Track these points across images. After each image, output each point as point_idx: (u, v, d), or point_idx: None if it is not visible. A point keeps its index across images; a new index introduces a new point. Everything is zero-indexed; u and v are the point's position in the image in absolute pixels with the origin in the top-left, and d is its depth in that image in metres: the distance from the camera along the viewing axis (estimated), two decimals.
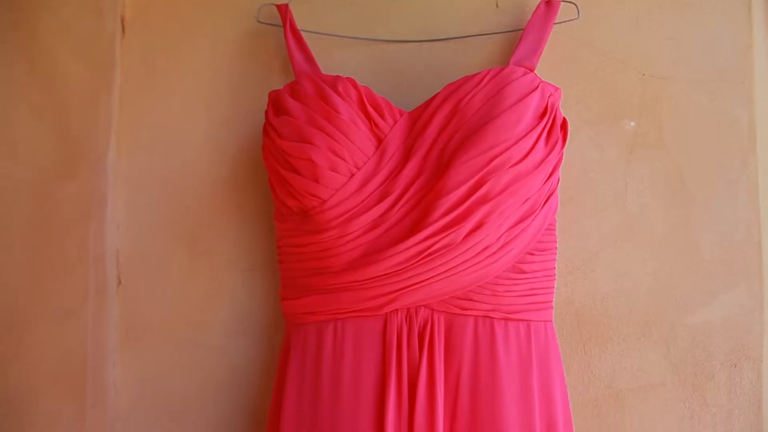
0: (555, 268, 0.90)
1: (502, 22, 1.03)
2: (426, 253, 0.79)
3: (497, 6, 1.05)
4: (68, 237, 1.00)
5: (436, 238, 0.78)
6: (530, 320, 0.84)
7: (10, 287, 0.89)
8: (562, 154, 0.87)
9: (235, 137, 1.04)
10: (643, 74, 1.03)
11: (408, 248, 0.79)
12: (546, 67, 1.02)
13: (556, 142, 0.83)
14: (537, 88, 0.81)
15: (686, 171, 1.02)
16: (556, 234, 0.91)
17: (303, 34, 1.02)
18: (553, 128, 0.83)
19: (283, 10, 1.00)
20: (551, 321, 0.88)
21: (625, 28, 1.04)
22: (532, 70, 0.86)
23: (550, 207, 0.86)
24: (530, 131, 0.79)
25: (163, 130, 1.06)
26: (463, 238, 0.79)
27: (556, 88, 0.85)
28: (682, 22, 1.04)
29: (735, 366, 1.00)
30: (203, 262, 1.05)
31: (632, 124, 1.03)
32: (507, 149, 0.77)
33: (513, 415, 0.80)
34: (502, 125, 0.78)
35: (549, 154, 0.81)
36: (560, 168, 0.89)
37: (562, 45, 1.03)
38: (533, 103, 0.80)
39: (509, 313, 0.83)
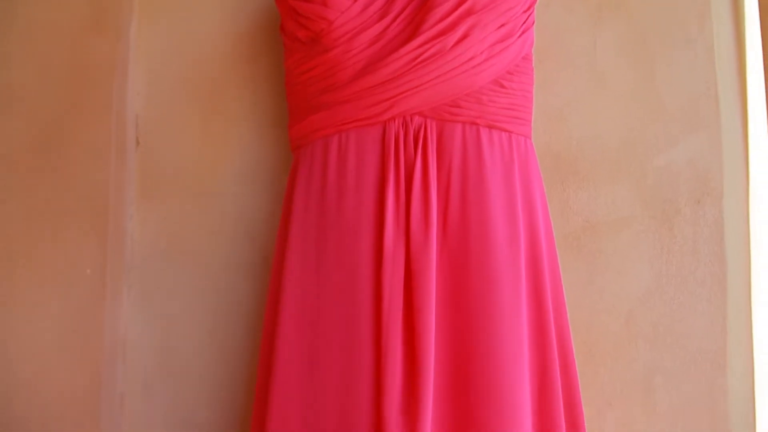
0: (532, 92, 1.01)
1: None
2: (420, 59, 0.90)
3: None
4: (95, 95, 1.10)
5: (428, 45, 0.90)
6: (511, 131, 0.95)
7: (46, 120, 0.99)
8: None
9: (249, 6, 1.16)
10: None
11: (404, 54, 0.90)
12: None
13: None
14: None
15: (649, 32, 1.14)
16: (533, 77, 1.03)
17: None
18: None
19: None
20: (530, 138, 0.99)
21: None
22: None
23: (526, 40, 0.98)
24: None
25: (181, 3, 1.18)
26: (451, 47, 0.90)
27: None
28: None
29: (699, 202, 1.11)
30: (217, 121, 1.16)
31: None
32: None
33: (498, 207, 0.91)
34: None
35: None
36: (535, 11, 1.02)
37: None
38: None
39: (493, 122, 0.94)
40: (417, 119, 0.93)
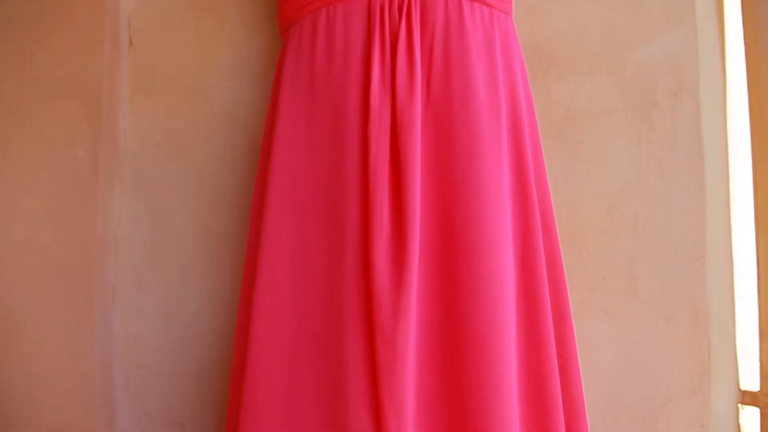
0: None
1: None
2: None
3: None
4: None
5: None
6: (492, 6, 0.98)
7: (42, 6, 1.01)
8: None
9: None
10: None
11: None
12: None
13: None
14: None
15: None
16: None
17: None
18: None
19: None
20: (511, 16, 1.02)
21: None
22: None
23: None
24: None
25: None
26: None
27: None
28: None
29: (676, 95, 1.14)
30: (210, 20, 1.18)
31: None
32: None
33: (480, 73, 0.94)
34: None
35: None
36: None
37: None
38: None
39: None
40: None
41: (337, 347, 0.89)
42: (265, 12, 1.17)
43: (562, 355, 0.96)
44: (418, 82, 0.92)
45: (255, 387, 0.91)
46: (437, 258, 0.90)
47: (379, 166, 0.89)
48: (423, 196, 0.90)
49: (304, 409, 0.91)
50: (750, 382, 1.15)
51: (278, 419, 0.90)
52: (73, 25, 1.08)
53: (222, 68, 1.17)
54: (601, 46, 1.14)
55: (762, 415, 1.12)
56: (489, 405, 0.86)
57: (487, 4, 0.98)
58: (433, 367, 0.89)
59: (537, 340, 0.95)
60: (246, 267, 0.99)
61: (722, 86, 1.16)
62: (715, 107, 1.15)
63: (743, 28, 1.16)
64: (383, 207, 0.88)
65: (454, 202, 0.90)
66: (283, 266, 0.92)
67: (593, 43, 1.14)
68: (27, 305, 1.06)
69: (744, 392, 1.15)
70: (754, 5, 1.15)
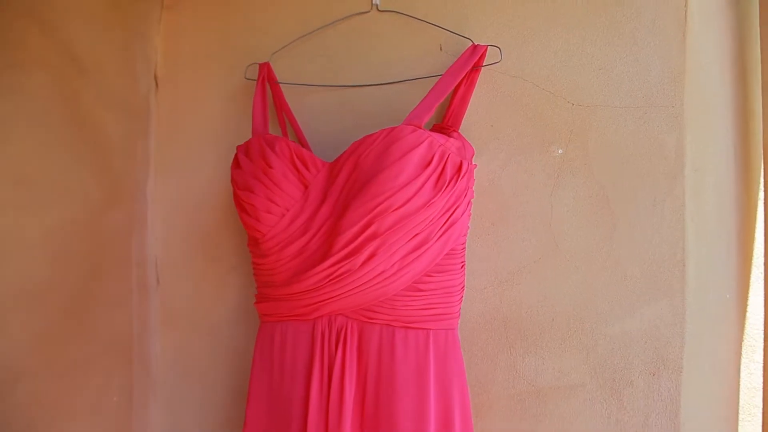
0: (459, 285, 1.05)
1: (445, 64, 1.17)
2: (332, 276, 1.00)
3: (441, 49, 1.19)
4: (114, 248, 1.32)
5: (339, 266, 0.99)
6: (430, 329, 1.02)
7: (68, 286, 1.21)
8: (462, 191, 1.01)
9: None
10: (572, 104, 1.12)
11: (319, 272, 1.01)
12: (482, 101, 1.15)
13: (446, 184, 0.97)
14: (422, 143, 0.96)
15: (611, 193, 1.10)
16: (464, 257, 1.08)
17: (281, 85, 1.25)
18: (443, 173, 0.98)
19: (262, 68, 1.23)
20: (454, 329, 1.04)
21: (555, 61, 1.13)
22: (420, 126, 1.00)
23: (449, 236, 1.01)
24: (412, 180, 0.95)
25: (188, 162, 1.36)
26: (360, 266, 0.98)
27: (447, 139, 1.00)
28: (612, 53, 1.11)
29: (654, 374, 1.08)
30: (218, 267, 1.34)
31: (560, 151, 1.12)
32: (389, 197, 0.95)
33: (407, 406, 0.99)
34: (385, 178, 0.95)
35: (436, 195, 0.97)
36: (467, 200, 1.04)
37: (497, 80, 1.15)
38: (416, 157, 0.95)
39: (408, 323, 1.01)
40: (340, 319, 1.04)
41: None
42: (245, 260, 1.29)
43: None
44: (347, 414, 1.00)
45: None
46: None
47: None
48: None
49: None
50: None
51: None
52: (104, 286, 1.28)
53: (226, 312, 1.33)
54: (572, 319, 1.11)
55: None
56: None
57: (424, 329, 1.01)
58: None
59: None
60: None
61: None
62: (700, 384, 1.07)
63: None
64: None
65: None
66: None
67: (564, 316, 1.11)
68: None
69: None
70: None
